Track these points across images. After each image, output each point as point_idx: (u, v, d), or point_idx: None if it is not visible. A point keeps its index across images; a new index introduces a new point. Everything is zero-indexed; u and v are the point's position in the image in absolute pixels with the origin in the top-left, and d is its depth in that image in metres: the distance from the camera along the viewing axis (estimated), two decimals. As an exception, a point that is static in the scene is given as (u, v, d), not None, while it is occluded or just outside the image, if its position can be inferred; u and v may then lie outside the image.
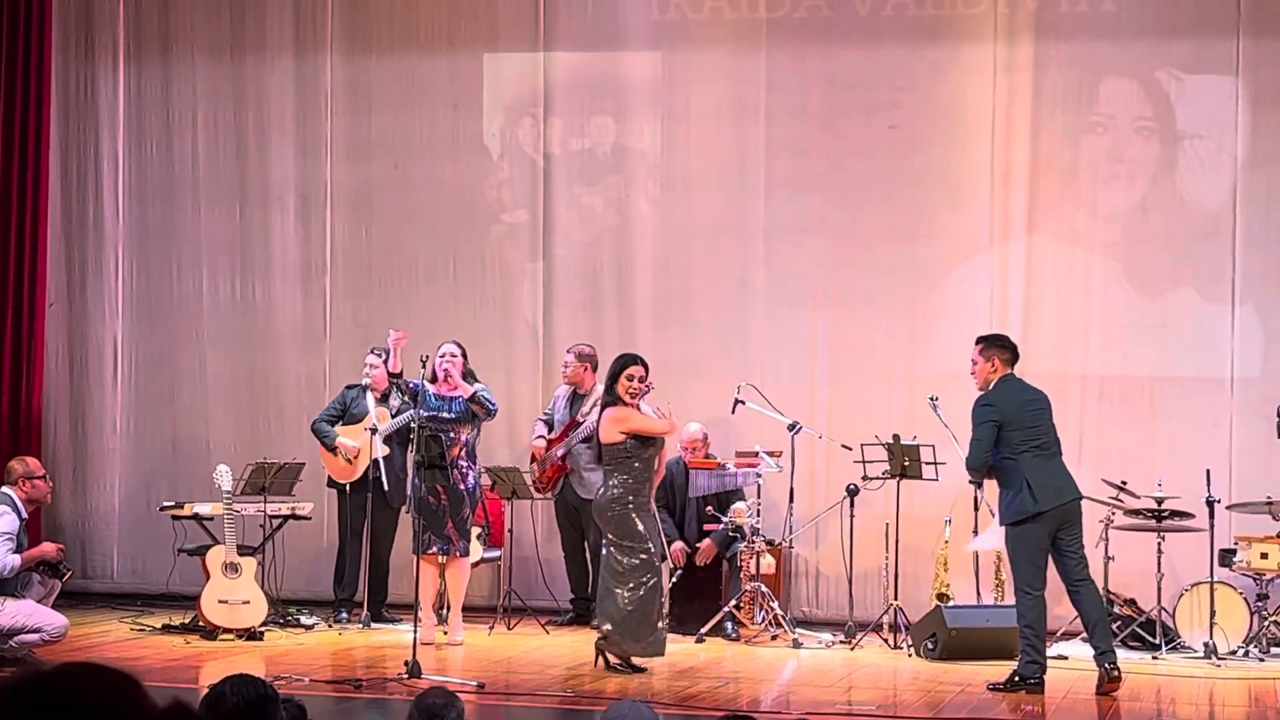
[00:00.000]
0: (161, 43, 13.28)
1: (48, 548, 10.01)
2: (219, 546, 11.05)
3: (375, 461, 11.47)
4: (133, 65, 13.33)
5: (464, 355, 10.98)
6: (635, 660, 9.68)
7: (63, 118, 13.32)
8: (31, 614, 9.59)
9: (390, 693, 8.85)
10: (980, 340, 9.70)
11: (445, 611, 11.18)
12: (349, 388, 11.93)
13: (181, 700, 2.51)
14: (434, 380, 10.82)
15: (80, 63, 13.37)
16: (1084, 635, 9.58)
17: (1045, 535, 9.29)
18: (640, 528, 9.57)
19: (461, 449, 10.87)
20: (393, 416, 11.50)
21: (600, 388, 11.67)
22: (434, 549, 10.76)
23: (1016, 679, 9.26)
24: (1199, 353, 11.79)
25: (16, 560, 9.61)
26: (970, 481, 9.75)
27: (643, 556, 9.56)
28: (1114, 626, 10.86)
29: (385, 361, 11.33)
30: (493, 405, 10.95)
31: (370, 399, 11.64)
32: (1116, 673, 9.15)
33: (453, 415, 10.84)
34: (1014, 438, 9.31)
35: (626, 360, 9.84)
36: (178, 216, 13.25)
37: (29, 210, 13.00)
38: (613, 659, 9.70)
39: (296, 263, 13.09)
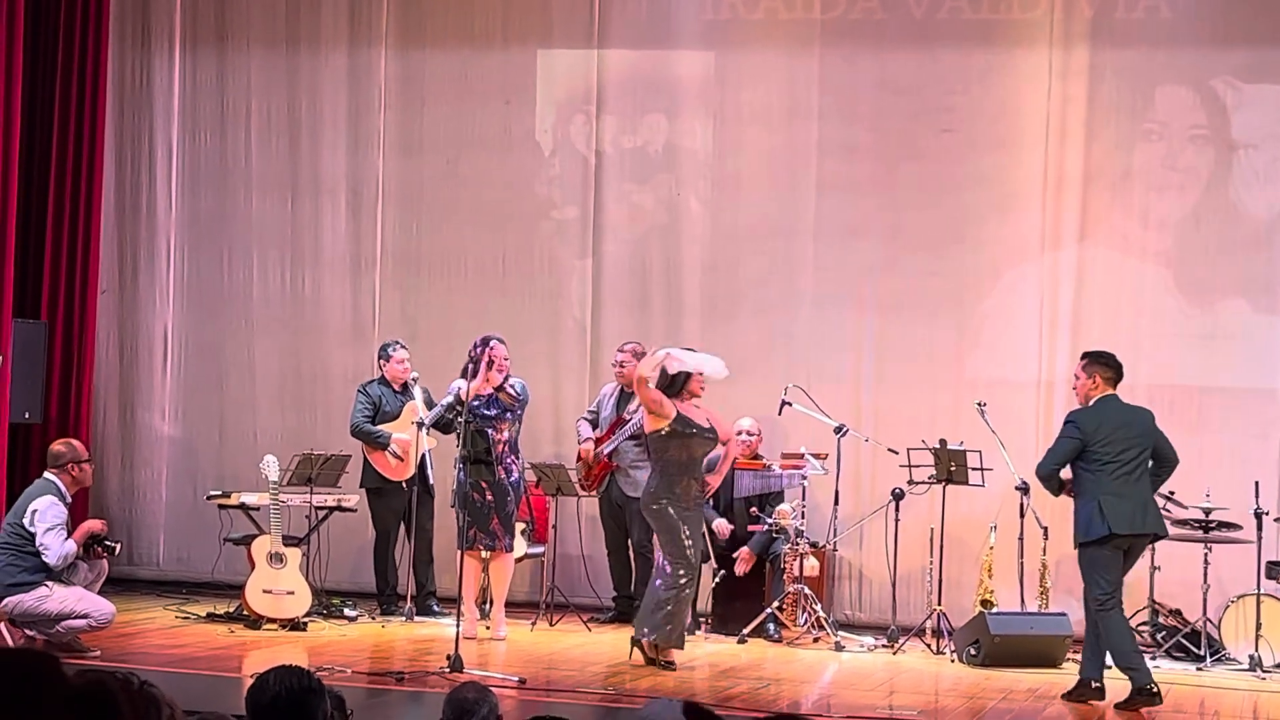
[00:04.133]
0: (217, 33, 13.35)
1: (93, 523, 10.05)
2: (264, 536, 11.11)
3: (422, 455, 11.54)
4: (188, 55, 13.40)
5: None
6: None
7: (118, 106, 13.40)
8: (79, 600, 9.64)
9: (431, 686, 8.87)
10: (1084, 356, 9.50)
11: (488, 606, 11.21)
12: (367, 385, 11.92)
13: (98, 677, 2.48)
14: (473, 375, 10.67)
15: (136, 52, 13.45)
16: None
17: (1117, 556, 9.14)
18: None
19: (504, 445, 10.87)
20: (429, 409, 11.51)
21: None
22: (479, 544, 10.79)
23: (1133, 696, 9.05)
24: (1249, 363, 11.70)
25: (73, 546, 9.66)
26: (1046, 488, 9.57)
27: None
28: (1159, 637, 10.83)
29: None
30: (515, 391, 10.88)
31: (418, 391, 11.66)
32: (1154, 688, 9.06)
33: (492, 413, 10.81)
34: (1099, 455, 9.11)
35: None
36: (229, 207, 13.32)
37: (83, 198, 13.08)
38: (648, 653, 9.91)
39: (346, 255, 13.13)
